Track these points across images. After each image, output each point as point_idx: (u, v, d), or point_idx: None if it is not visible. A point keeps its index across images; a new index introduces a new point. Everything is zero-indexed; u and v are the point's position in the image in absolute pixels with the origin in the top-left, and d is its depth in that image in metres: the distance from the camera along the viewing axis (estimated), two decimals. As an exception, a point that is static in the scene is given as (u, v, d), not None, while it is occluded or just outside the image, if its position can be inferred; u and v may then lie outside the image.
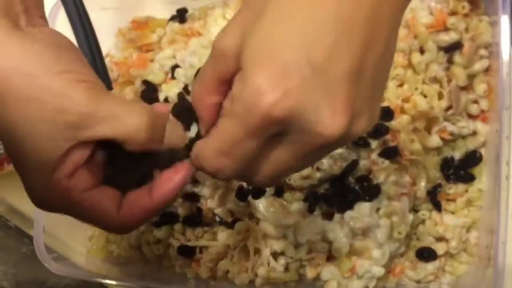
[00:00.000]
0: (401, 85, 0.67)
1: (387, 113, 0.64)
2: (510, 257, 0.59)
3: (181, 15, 0.75)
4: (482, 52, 0.66)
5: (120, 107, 0.44)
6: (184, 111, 0.70)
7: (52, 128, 0.43)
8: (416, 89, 0.66)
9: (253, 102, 0.38)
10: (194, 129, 0.69)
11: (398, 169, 0.64)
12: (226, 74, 0.42)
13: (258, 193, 0.66)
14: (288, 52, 0.38)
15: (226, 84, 0.42)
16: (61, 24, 0.71)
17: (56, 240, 0.73)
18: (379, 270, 0.64)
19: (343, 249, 0.64)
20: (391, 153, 0.64)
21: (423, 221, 0.66)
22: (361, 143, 0.64)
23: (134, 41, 0.77)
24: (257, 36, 0.39)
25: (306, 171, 0.64)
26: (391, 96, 0.66)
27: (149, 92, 0.73)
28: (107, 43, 0.77)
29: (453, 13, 0.67)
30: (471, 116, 0.67)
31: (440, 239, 0.66)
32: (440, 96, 0.66)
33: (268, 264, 0.67)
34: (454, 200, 0.67)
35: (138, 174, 0.48)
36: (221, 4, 0.73)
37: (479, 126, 0.66)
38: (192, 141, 0.68)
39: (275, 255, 0.67)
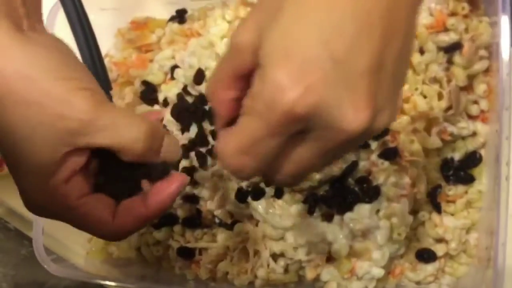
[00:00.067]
0: (401, 85, 0.67)
1: (387, 114, 0.64)
2: (509, 258, 0.59)
3: (180, 16, 0.76)
4: (482, 52, 0.66)
5: (120, 118, 0.45)
6: (184, 111, 0.70)
7: (50, 132, 0.43)
8: (416, 89, 0.66)
9: (274, 99, 0.38)
10: (193, 130, 0.69)
11: (397, 170, 0.64)
12: (243, 70, 0.42)
13: (258, 195, 0.66)
14: (307, 48, 0.38)
15: (242, 79, 0.42)
16: (60, 24, 0.72)
17: (56, 242, 0.73)
18: (378, 272, 0.64)
19: (343, 250, 0.64)
20: (390, 154, 0.64)
21: (422, 223, 0.66)
22: (360, 144, 0.64)
23: (134, 42, 0.77)
24: (275, 32, 0.39)
25: (305, 172, 0.64)
26: (391, 97, 0.66)
27: (149, 93, 0.73)
28: (107, 43, 0.77)
29: (453, 14, 0.67)
30: (471, 117, 0.67)
31: (439, 240, 0.66)
32: (440, 96, 0.66)
33: (268, 265, 0.66)
34: (454, 202, 0.67)
35: (130, 183, 0.49)
36: (220, 4, 0.73)
37: (479, 126, 0.66)
38: (192, 141, 0.69)
39: (274, 256, 0.67)
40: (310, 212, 0.65)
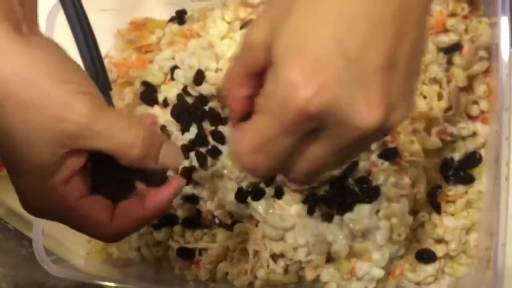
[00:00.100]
0: (400, 86, 0.67)
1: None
2: (509, 259, 0.59)
3: (180, 17, 0.75)
4: (482, 53, 0.66)
5: (117, 122, 0.45)
6: (183, 112, 0.70)
7: (49, 134, 0.44)
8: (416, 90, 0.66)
9: (287, 97, 0.38)
10: (193, 130, 0.69)
11: (397, 170, 0.64)
12: (255, 67, 0.42)
13: (258, 195, 0.66)
14: (320, 46, 0.38)
15: (256, 77, 0.42)
16: (60, 25, 0.72)
17: (55, 242, 0.73)
18: (378, 272, 0.64)
19: (343, 251, 0.64)
20: (390, 154, 0.64)
21: (422, 223, 0.66)
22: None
23: (133, 42, 0.77)
24: (287, 30, 0.39)
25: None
26: (391, 97, 0.66)
27: (149, 93, 0.73)
28: (106, 44, 0.77)
29: (452, 14, 0.67)
30: (470, 117, 0.67)
31: (439, 241, 0.66)
32: (440, 97, 0.66)
33: (268, 266, 0.66)
34: (453, 202, 0.67)
35: (127, 185, 0.49)
36: (220, 5, 0.73)
37: (479, 127, 0.66)
38: (192, 142, 0.69)
39: (274, 257, 0.67)
40: (310, 212, 0.65)
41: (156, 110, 0.73)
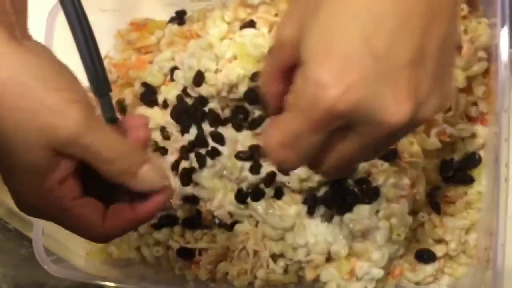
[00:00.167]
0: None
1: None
2: (509, 259, 0.59)
3: (180, 17, 0.75)
4: (481, 54, 0.66)
5: (103, 138, 0.46)
6: (183, 113, 0.70)
7: (43, 139, 0.44)
8: (415, 91, 0.66)
9: (315, 97, 0.38)
10: (193, 131, 0.69)
11: (397, 171, 0.64)
12: (287, 64, 0.43)
13: (258, 195, 0.66)
14: (348, 44, 0.38)
15: (289, 73, 0.43)
16: (60, 26, 0.72)
17: (55, 242, 0.73)
18: (378, 272, 0.64)
19: (342, 251, 0.64)
20: (390, 155, 0.64)
21: (422, 223, 0.66)
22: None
23: (133, 43, 0.77)
24: (315, 28, 0.40)
25: (305, 173, 0.64)
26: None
27: (148, 94, 0.73)
28: (106, 45, 0.77)
29: (452, 15, 0.67)
30: (470, 118, 0.67)
31: (439, 241, 0.66)
32: (439, 98, 0.66)
33: (268, 266, 0.67)
34: (453, 202, 0.67)
35: (118, 188, 0.50)
36: (220, 6, 0.73)
37: (478, 128, 0.66)
38: (191, 143, 0.69)
39: (274, 257, 0.67)
40: (310, 212, 0.65)
41: (156, 111, 0.73)
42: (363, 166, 0.64)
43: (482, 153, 0.67)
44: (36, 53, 0.46)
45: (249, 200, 0.67)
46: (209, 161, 0.68)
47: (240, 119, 0.67)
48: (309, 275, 0.66)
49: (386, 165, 0.64)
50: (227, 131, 0.68)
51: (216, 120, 0.68)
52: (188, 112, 0.69)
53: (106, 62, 0.73)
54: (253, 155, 0.66)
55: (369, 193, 0.63)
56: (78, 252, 0.76)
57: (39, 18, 0.73)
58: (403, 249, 0.66)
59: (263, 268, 0.67)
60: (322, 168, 0.44)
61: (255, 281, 0.67)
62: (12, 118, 0.44)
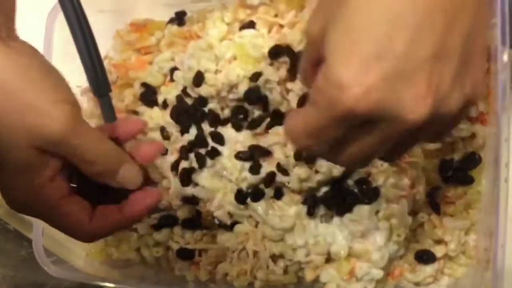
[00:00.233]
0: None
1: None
2: (509, 259, 0.59)
3: (179, 18, 0.75)
4: (481, 54, 0.66)
5: (87, 140, 0.47)
6: (183, 113, 0.70)
7: (31, 138, 0.45)
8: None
9: (335, 97, 0.39)
10: (193, 131, 0.69)
11: (397, 171, 0.64)
12: (316, 59, 0.43)
13: (257, 196, 0.66)
14: (369, 45, 0.39)
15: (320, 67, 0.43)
16: (60, 27, 0.72)
17: (55, 243, 0.73)
18: (378, 273, 0.64)
19: (342, 251, 0.64)
20: (390, 155, 0.64)
21: (422, 224, 0.66)
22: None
23: (133, 44, 0.77)
24: (338, 26, 0.40)
25: (305, 174, 0.64)
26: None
27: (148, 95, 0.73)
28: (106, 45, 0.77)
29: (451, 15, 0.67)
30: (470, 119, 0.67)
31: (439, 241, 0.66)
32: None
33: (267, 266, 0.67)
34: (453, 203, 0.67)
35: (105, 189, 0.51)
36: (219, 7, 0.73)
37: (478, 128, 0.66)
38: (191, 143, 0.69)
39: (274, 257, 0.67)
40: (310, 213, 0.65)
41: (156, 111, 0.73)
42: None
43: (482, 153, 0.66)
44: (23, 54, 0.46)
45: (248, 200, 0.67)
46: (208, 161, 0.68)
47: (240, 119, 0.67)
48: (309, 275, 0.66)
49: (386, 165, 0.64)
50: (226, 131, 0.68)
51: (215, 120, 0.68)
52: (188, 112, 0.69)
53: (105, 63, 0.73)
54: (252, 155, 0.66)
55: (369, 193, 0.63)
56: (78, 252, 0.76)
57: (39, 19, 0.73)
58: (403, 249, 0.66)
59: (263, 269, 0.67)
60: (341, 159, 0.45)
61: (255, 282, 0.68)
62: (1, 119, 0.44)
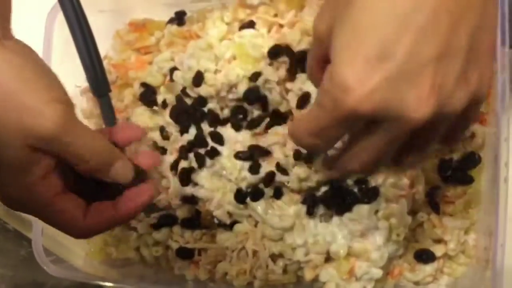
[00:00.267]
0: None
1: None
2: (508, 259, 0.59)
3: (179, 18, 0.75)
4: (480, 54, 0.66)
5: (80, 138, 0.47)
6: (182, 113, 0.70)
7: (23, 136, 0.45)
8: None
9: (339, 98, 0.40)
10: (192, 131, 0.69)
11: (396, 171, 0.64)
12: (323, 57, 0.44)
13: (257, 195, 0.66)
14: (374, 45, 0.39)
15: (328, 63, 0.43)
16: (59, 27, 0.72)
17: (55, 243, 0.73)
18: (377, 272, 0.64)
19: (342, 251, 0.64)
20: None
21: (421, 223, 0.66)
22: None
23: (132, 44, 0.77)
24: (345, 26, 0.41)
25: (304, 173, 0.64)
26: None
27: (148, 95, 0.73)
28: (105, 45, 0.77)
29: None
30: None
31: (438, 241, 0.66)
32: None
33: (267, 266, 0.67)
34: (452, 202, 0.67)
35: (100, 186, 0.51)
36: (219, 6, 0.73)
37: (478, 128, 0.66)
38: (191, 143, 0.69)
39: (273, 257, 0.67)
40: (309, 212, 0.65)
41: (155, 111, 0.73)
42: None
43: (481, 153, 0.66)
44: (17, 54, 0.46)
45: (248, 200, 0.67)
46: (208, 161, 0.68)
47: (239, 119, 0.67)
48: (308, 275, 0.66)
49: (385, 165, 0.64)
50: (226, 131, 0.68)
51: (215, 120, 0.68)
52: (187, 112, 0.69)
53: (105, 63, 0.73)
54: (252, 155, 0.66)
55: (368, 193, 0.63)
56: (78, 252, 0.76)
57: (39, 18, 0.73)
58: (402, 249, 0.66)
59: (262, 268, 0.67)
60: (350, 165, 0.45)
61: (254, 281, 0.68)
62: None
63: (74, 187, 0.51)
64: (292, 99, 0.66)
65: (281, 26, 0.68)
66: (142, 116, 0.73)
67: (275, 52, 0.66)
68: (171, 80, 0.71)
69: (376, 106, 0.39)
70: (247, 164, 0.66)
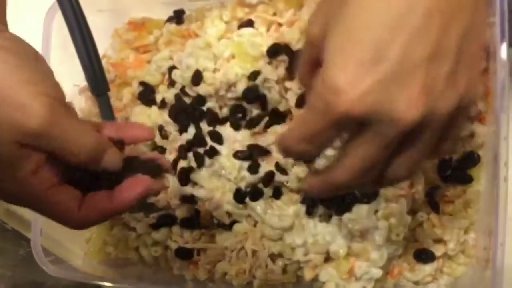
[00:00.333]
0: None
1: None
2: (508, 258, 0.59)
3: (178, 16, 0.75)
4: (480, 53, 0.66)
5: (70, 131, 0.47)
6: (181, 112, 0.70)
7: (11, 131, 0.45)
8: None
9: (331, 101, 0.40)
10: (191, 130, 0.69)
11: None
12: (315, 60, 0.44)
13: (256, 195, 0.66)
14: (367, 47, 0.39)
15: (320, 67, 0.43)
16: (58, 26, 0.72)
17: (54, 243, 0.73)
18: (377, 272, 0.64)
19: (341, 251, 0.64)
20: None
21: (421, 223, 0.66)
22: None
23: (131, 42, 0.77)
24: (338, 29, 0.41)
25: (303, 173, 0.64)
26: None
27: (146, 93, 0.73)
28: (104, 44, 0.77)
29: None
30: (469, 118, 0.67)
31: (438, 240, 0.66)
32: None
33: (266, 266, 0.67)
34: (452, 202, 0.66)
35: (95, 177, 0.51)
36: (218, 5, 0.73)
37: (477, 127, 0.66)
38: (189, 142, 0.69)
39: (273, 257, 0.67)
40: (309, 212, 0.65)
41: (154, 110, 0.73)
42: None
43: (481, 152, 0.66)
44: (8, 47, 0.46)
45: (247, 199, 0.67)
46: (207, 161, 0.68)
47: (238, 118, 0.67)
48: (308, 275, 0.66)
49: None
50: (225, 130, 0.68)
51: (214, 119, 0.68)
52: (186, 111, 0.69)
53: (104, 62, 0.73)
54: (251, 154, 0.66)
55: (368, 193, 0.63)
56: (76, 252, 0.76)
57: (37, 18, 0.73)
58: (402, 249, 0.66)
59: (262, 268, 0.67)
60: (344, 175, 0.45)
61: (254, 281, 0.67)
62: None
63: (70, 177, 0.50)
64: (291, 98, 0.66)
65: (280, 25, 0.68)
66: (140, 115, 0.73)
67: (274, 51, 0.66)
68: (170, 79, 0.71)
69: (369, 108, 0.40)
70: (246, 164, 0.66)
